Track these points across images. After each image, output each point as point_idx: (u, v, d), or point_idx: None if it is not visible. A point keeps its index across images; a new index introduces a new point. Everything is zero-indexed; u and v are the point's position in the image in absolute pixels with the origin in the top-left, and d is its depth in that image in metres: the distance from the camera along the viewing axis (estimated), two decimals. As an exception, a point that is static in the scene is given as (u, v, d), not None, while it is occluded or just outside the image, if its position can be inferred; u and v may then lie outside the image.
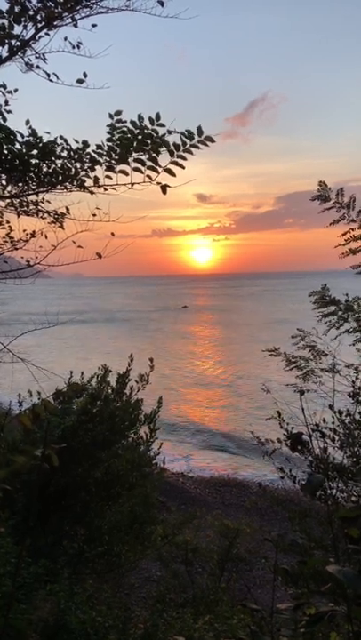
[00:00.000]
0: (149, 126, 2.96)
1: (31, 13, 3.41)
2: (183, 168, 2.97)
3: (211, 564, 8.37)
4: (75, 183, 3.65)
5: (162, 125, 2.91)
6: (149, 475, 6.95)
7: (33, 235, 4.65)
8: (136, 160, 3.14)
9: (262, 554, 8.36)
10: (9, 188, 3.96)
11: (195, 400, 32.05)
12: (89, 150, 3.40)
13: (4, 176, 3.77)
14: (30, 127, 3.48)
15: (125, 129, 3.06)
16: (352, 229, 5.00)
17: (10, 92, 3.75)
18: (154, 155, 3.05)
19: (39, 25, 3.50)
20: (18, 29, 3.43)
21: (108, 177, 3.39)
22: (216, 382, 36.84)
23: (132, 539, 6.57)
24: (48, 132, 3.53)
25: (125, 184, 3.35)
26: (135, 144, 3.06)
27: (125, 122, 3.04)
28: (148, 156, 3.07)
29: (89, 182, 3.58)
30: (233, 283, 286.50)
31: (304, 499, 5.71)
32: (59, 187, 3.73)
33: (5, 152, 3.48)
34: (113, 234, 4.24)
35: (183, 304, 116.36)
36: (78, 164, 3.52)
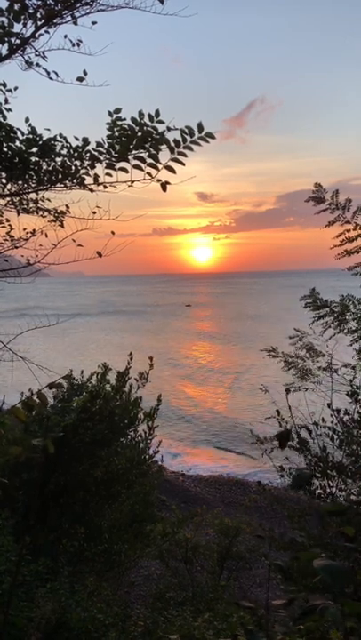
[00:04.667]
0: (149, 123, 2.96)
1: (31, 11, 3.41)
2: (183, 165, 2.97)
3: (211, 562, 8.38)
4: (75, 181, 3.65)
5: (161, 122, 2.91)
6: (148, 473, 6.96)
7: (33, 233, 4.65)
8: (136, 157, 3.14)
9: (262, 552, 8.38)
10: (9, 187, 3.96)
11: (195, 399, 32.09)
12: (89, 148, 3.40)
13: (3, 174, 3.77)
14: (30, 125, 3.49)
15: (126, 126, 3.06)
16: (347, 231, 5.00)
17: (10, 90, 3.74)
18: (154, 152, 3.05)
19: (39, 23, 3.50)
20: (17, 27, 3.42)
21: (108, 174, 3.39)
22: (217, 384, 36.90)
23: (131, 537, 6.59)
24: (49, 129, 3.53)
25: (125, 182, 3.35)
26: (135, 141, 3.06)
27: (125, 119, 3.04)
28: (148, 153, 3.07)
29: (89, 180, 3.58)
30: (235, 281, 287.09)
31: (303, 497, 5.72)
32: (58, 184, 3.73)
33: (5, 150, 3.48)
34: (113, 232, 4.24)
35: (187, 302, 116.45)
36: (78, 162, 3.52)
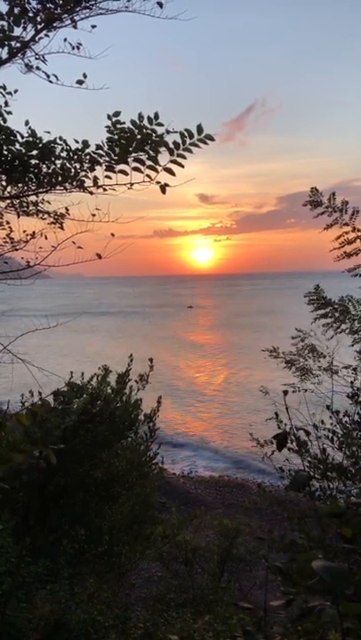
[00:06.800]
0: (148, 125, 2.97)
1: (31, 15, 3.42)
2: (182, 167, 2.98)
3: (211, 564, 8.37)
4: (74, 183, 3.66)
5: (160, 125, 2.92)
6: (149, 474, 6.97)
7: (33, 235, 4.66)
8: (135, 160, 3.15)
9: (262, 554, 8.36)
10: (9, 189, 3.97)
11: (194, 401, 32.08)
12: (88, 150, 3.42)
13: (3, 177, 3.78)
14: (30, 128, 3.50)
15: (125, 129, 3.08)
16: (346, 233, 5.00)
17: (10, 93, 3.75)
18: (153, 154, 3.06)
19: (39, 26, 3.51)
20: (17, 31, 3.44)
21: (107, 177, 3.40)
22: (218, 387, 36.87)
23: (131, 539, 6.58)
24: (48, 132, 3.55)
25: (125, 184, 3.37)
26: (135, 144, 3.07)
27: (124, 123, 3.06)
28: (147, 155, 3.08)
29: (88, 182, 3.59)
30: (236, 282, 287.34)
31: (303, 499, 5.72)
32: (58, 187, 3.74)
33: (5, 153, 3.49)
34: (113, 234, 4.26)
35: (188, 304, 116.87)
36: (78, 165, 3.53)
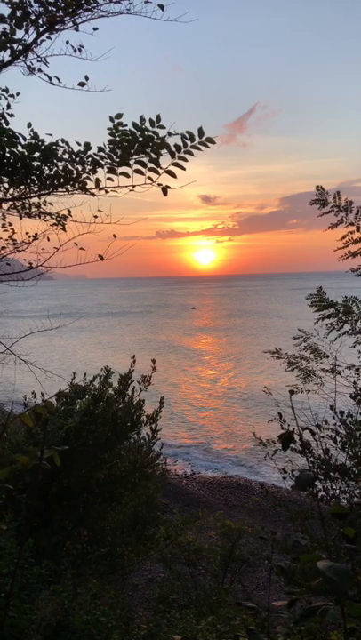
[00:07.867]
0: (150, 128, 2.98)
1: (33, 18, 3.44)
2: (184, 169, 2.99)
3: (214, 565, 8.36)
4: (76, 185, 3.68)
5: (162, 127, 2.93)
6: (152, 475, 6.97)
7: (35, 237, 4.68)
8: (137, 162, 3.16)
9: (266, 555, 8.35)
10: (11, 191, 3.99)
11: (195, 401, 32.08)
12: (90, 153, 3.43)
13: (6, 179, 3.80)
14: (32, 130, 3.51)
15: (127, 131, 3.09)
16: (351, 232, 4.99)
17: (12, 95, 3.78)
18: (155, 156, 3.07)
19: (41, 29, 3.53)
20: (20, 34, 3.46)
21: (109, 179, 3.41)
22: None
23: (134, 540, 6.58)
24: (50, 134, 3.56)
25: (127, 186, 3.38)
26: (136, 146, 3.08)
27: (126, 125, 3.07)
28: (149, 157, 3.10)
29: (90, 184, 3.61)
30: (238, 283, 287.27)
31: (306, 500, 5.71)
32: (60, 189, 3.76)
33: (8, 155, 3.51)
34: (115, 236, 4.27)
35: (191, 305, 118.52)
36: (80, 167, 3.54)
